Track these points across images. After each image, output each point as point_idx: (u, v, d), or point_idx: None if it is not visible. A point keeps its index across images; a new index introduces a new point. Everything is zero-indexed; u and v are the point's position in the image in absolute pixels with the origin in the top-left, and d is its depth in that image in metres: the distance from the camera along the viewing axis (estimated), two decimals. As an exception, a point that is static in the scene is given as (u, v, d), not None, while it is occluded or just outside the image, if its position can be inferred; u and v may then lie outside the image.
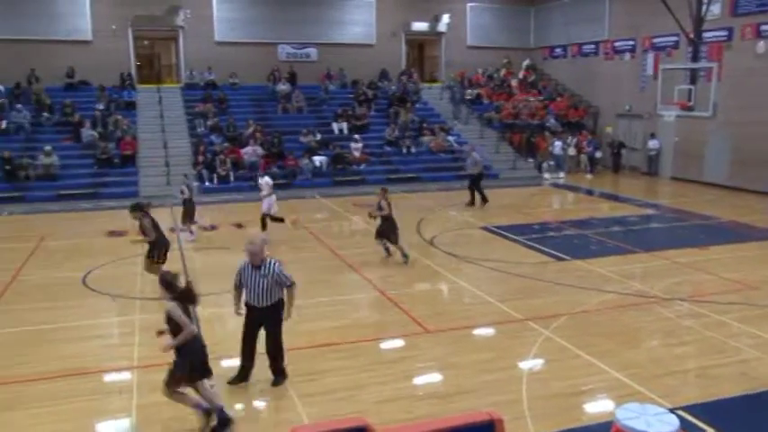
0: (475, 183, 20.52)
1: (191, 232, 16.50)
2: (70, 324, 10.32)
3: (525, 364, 8.59)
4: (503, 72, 34.13)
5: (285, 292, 7.90)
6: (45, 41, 27.70)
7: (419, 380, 8.22)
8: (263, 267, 7.70)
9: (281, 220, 16.44)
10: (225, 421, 6.93)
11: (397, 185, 23.48)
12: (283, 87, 29.53)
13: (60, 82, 27.71)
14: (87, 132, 24.79)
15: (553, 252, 14.49)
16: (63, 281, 12.64)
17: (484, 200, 20.35)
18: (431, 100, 31.98)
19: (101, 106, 26.41)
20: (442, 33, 34.19)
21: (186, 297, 6.93)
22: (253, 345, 7.97)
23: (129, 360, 8.83)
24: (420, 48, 36.92)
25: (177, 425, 7.07)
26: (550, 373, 8.36)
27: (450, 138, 28.24)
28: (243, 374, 8.01)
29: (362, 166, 25.83)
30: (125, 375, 8.40)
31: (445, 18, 33.64)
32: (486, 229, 17.13)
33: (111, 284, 12.26)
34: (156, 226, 12.01)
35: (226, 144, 25.30)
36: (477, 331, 9.88)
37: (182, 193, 16.62)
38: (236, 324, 10.40)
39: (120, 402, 7.56)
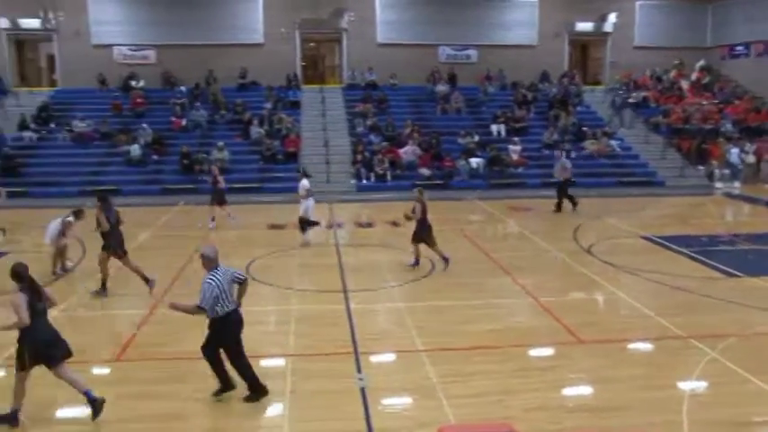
0: (562, 189, 19.89)
1: (212, 219, 17.58)
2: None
3: (686, 385, 8.03)
4: (673, 73, 32.24)
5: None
6: (222, 45, 29.76)
7: (569, 391, 7.93)
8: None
9: (317, 223, 16.19)
10: (94, 402, 7.10)
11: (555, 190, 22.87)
12: (442, 88, 29.68)
13: (234, 83, 29.63)
14: (255, 130, 26.30)
15: (723, 267, 13.43)
16: (229, 268, 13.41)
17: (573, 204, 19.81)
18: (593, 103, 30.83)
19: (268, 105, 27.94)
20: (608, 33, 32.88)
21: (33, 290, 7.08)
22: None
23: (284, 348, 9.22)
24: (583, 49, 35.70)
25: (328, 413, 7.29)
26: (716, 398, 7.76)
27: (613, 142, 27.07)
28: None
29: (520, 169, 25.40)
30: (280, 362, 8.78)
31: (612, 17, 32.30)
32: (647, 238, 16.23)
33: (271, 274, 12.88)
34: (111, 219, 11.61)
35: (384, 143, 25.84)
36: (633, 345, 9.36)
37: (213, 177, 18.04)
38: (384, 320, 10.66)
39: (274, 387, 7.90)
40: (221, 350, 7.54)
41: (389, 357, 8.94)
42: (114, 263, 11.91)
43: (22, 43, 31.41)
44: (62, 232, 12.71)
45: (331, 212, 19.62)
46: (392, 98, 29.34)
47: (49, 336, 7.19)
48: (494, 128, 27.67)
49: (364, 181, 24.10)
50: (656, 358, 9.00)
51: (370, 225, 18.29)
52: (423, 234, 13.26)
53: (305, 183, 15.97)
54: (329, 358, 8.78)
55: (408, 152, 25.23)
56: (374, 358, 8.83)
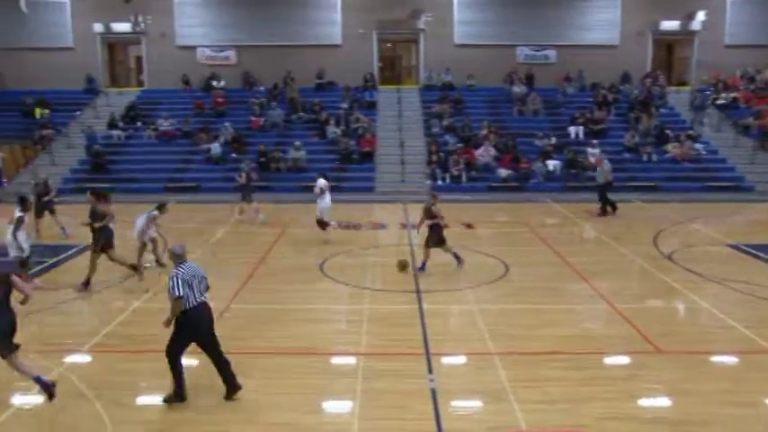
0: (603, 192, 19.43)
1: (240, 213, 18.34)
2: (305, 306, 11.11)
3: (774, 401, 7.63)
4: (767, 73, 30.70)
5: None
6: (300, 46, 30.25)
7: (646, 401, 7.64)
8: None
9: (327, 224, 15.99)
10: (46, 386, 7.35)
11: (635, 194, 22.22)
12: (520, 89, 29.26)
13: (311, 83, 30.06)
14: (331, 130, 26.61)
15: (817, 278, 12.72)
16: (302, 266, 13.64)
17: (614, 208, 19.35)
18: (678, 105, 29.74)
19: (345, 105, 28.22)
20: (695, 32, 31.62)
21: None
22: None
23: (355, 346, 9.27)
24: (669, 48, 34.44)
25: (398, 413, 7.28)
26: (806, 416, 7.34)
27: (699, 145, 26.06)
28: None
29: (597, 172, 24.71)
30: (350, 360, 8.82)
31: (700, 15, 31.05)
32: (734, 246, 15.51)
33: (344, 273, 12.99)
34: (103, 215, 12.04)
35: (459, 144, 25.69)
36: (716, 358, 8.94)
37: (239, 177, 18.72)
38: (456, 322, 10.58)
39: (344, 385, 7.96)
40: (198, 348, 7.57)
41: (461, 359, 8.86)
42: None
43: (113, 46, 32.79)
44: (148, 226, 13.13)
45: (405, 213, 19.63)
46: (468, 99, 29.13)
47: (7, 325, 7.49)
48: (572, 130, 27.07)
49: (439, 182, 24.00)
50: (742, 372, 8.58)
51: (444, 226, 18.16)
52: (435, 239, 13.15)
53: (320, 181, 16.12)
54: (400, 358, 8.77)
55: (484, 153, 25.00)
56: (445, 360, 8.76)
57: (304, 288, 12.11)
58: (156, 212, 13.23)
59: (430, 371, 8.36)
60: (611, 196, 19.53)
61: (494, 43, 30.45)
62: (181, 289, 7.21)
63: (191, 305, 7.29)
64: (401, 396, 7.66)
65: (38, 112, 28.23)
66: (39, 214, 16.46)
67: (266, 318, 10.52)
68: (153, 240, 13.35)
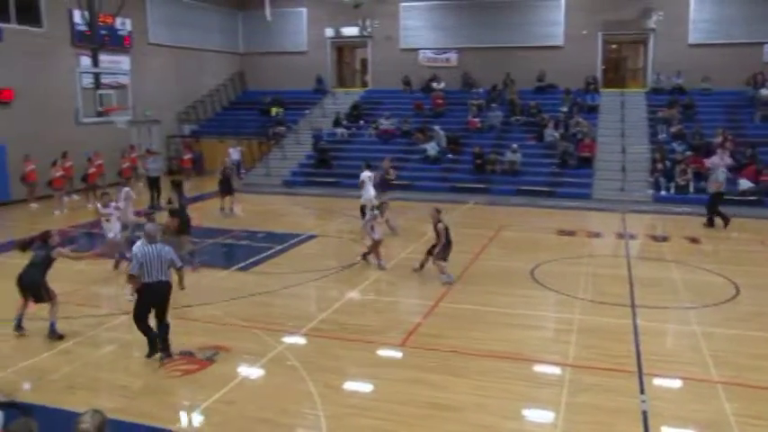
0: (713, 202, 18.10)
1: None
2: (513, 311, 10.94)
3: None
4: None
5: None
6: (521, 48, 29.93)
7: None
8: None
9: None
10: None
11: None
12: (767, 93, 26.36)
13: (531, 85, 29.59)
14: (549, 133, 25.97)
15: None
16: (513, 270, 13.45)
17: (724, 219, 17.86)
18: None
19: (564, 109, 27.40)
20: None
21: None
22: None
23: (562, 356, 8.95)
24: None
25: (600, 429, 6.93)
26: None
27: None
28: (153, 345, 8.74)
29: None
30: (556, 370, 8.54)
31: None
32: None
33: (556, 280, 12.61)
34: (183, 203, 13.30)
35: (688, 152, 23.80)
36: None
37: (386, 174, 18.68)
38: (675, 342, 9.81)
39: (549, 395, 7.71)
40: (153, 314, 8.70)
41: (677, 383, 8.20)
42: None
43: (341, 49, 34.92)
44: (371, 227, 13.60)
45: (623, 223, 18.65)
46: (702, 103, 26.88)
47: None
48: (826, 139, 23.94)
49: (663, 192, 22.42)
50: None
51: (665, 239, 17.01)
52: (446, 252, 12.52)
53: (365, 173, 17.12)
54: (609, 374, 8.31)
55: (716, 163, 22.88)
56: (659, 381, 8.15)
57: (513, 292, 11.94)
58: (376, 212, 13.77)
59: (642, 391, 7.83)
60: None
61: (735, 42, 27.75)
62: (135, 268, 8.47)
63: (151, 280, 8.43)
64: (607, 414, 7.26)
65: (273, 110, 30.91)
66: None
67: (473, 319, 10.53)
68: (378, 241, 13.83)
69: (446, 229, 12.48)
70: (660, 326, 10.29)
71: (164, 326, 8.70)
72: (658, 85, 28.56)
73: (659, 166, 23.12)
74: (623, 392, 7.80)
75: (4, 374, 8.27)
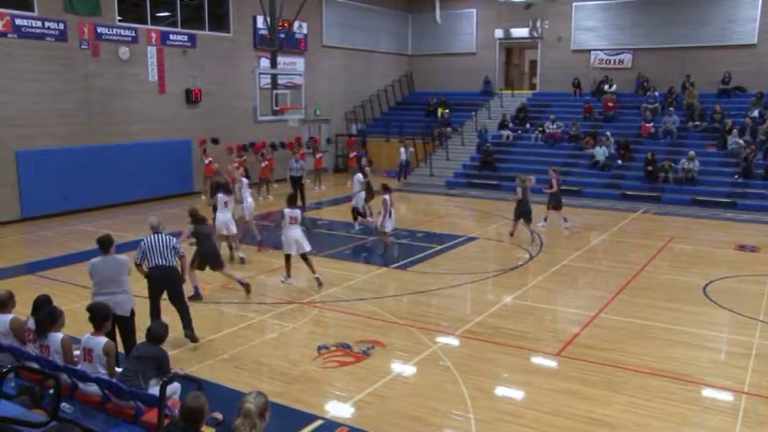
0: None
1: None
2: (682, 328, 10.21)
3: None
4: None
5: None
6: (704, 48, 27.83)
7: None
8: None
9: (358, 215, 17.27)
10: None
11: None
12: None
13: (714, 88, 27.45)
14: (733, 140, 23.96)
15: None
16: (683, 284, 12.57)
17: None
18: None
19: (754, 114, 25.14)
20: None
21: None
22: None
23: (737, 382, 8.20)
24: None
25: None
26: None
27: None
28: None
29: None
30: (728, 396, 7.86)
31: None
32: None
33: (733, 299, 11.62)
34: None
35: None
36: None
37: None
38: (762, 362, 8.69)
39: (720, 423, 7.11)
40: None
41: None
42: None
43: (510, 50, 34.45)
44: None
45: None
46: None
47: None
48: None
49: None
50: None
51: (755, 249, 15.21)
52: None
53: (357, 176, 17.37)
54: (792, 406, 7.52)
55: None
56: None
57: (681, 308, 11.14)
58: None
59: (831, 429, 7.01)
60: None
61: None
62: (139, 256, 8.83)
63: (153, 265, 8.79)
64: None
65: (439, 111, 31.04)
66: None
67: (635, 333, 9.95)
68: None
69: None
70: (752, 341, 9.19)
71: (182, 308, 9.20)
72: None
73: None
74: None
75: (179, 351, 8.95)
